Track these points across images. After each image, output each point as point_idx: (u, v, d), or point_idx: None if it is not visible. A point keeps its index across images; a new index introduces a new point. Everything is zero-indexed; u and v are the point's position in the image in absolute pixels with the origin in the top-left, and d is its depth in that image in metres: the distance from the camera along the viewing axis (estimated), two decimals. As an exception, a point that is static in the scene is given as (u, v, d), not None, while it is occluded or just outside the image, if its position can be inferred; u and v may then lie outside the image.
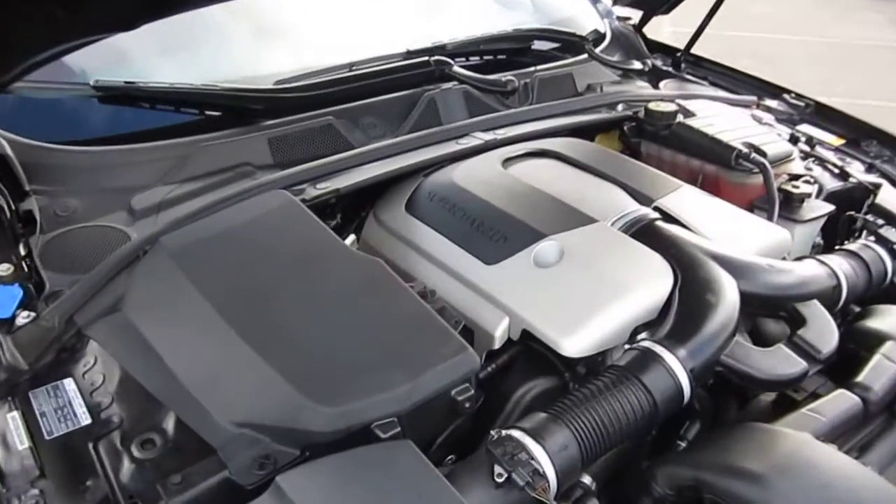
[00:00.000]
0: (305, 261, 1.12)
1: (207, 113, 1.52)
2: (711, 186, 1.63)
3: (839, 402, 1.05)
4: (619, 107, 1.79)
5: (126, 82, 1.46)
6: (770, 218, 1.49)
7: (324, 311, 1.04)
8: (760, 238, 1.31)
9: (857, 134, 1.91)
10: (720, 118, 1.71)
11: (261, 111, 1.53)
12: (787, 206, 1.54)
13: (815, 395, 1.13)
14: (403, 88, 1.65)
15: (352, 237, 1.45)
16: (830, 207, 1.57)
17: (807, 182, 1.62)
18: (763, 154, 1.58)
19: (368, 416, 0.90)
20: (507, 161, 1.46)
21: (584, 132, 1.74)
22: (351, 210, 1.49)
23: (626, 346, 1.09)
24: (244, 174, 1.41)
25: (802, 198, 1.56)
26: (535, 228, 1.23)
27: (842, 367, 1.16)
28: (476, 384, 1.03)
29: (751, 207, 1.58)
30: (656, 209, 1.33)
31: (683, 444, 1.13)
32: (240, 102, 1.52)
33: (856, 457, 1.03)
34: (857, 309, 1.36)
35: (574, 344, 1.07)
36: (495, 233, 1.24)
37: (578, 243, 1.20)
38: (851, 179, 1.71)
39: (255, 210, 1.23)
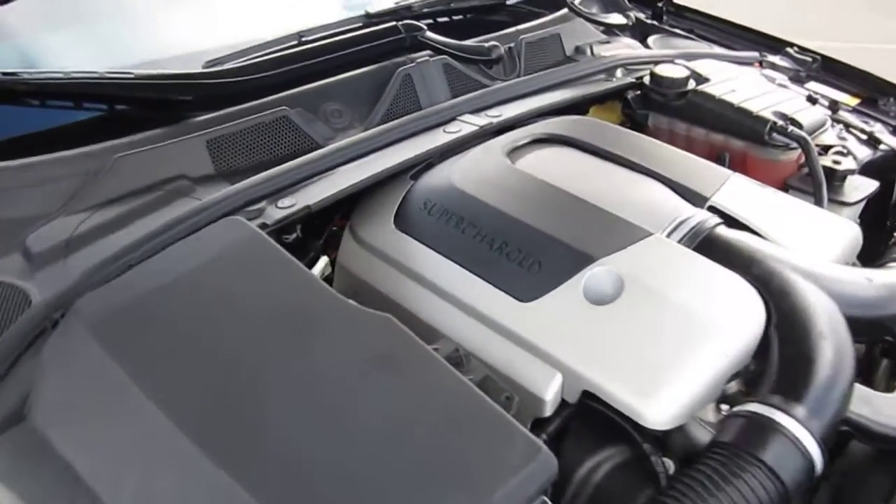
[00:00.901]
0: (286, 325, 0.81)
1: (120, 109, 1.15)
2: (737, 165, 1.39)
3: None
4: (618, 72, 1.52)
5: (4, 73, 1.08)
6: (819, 203, 1.27)
7: (323, 404, 0.74)
8: (835, 238, 1.07)
9: (872, 91, 1.71)
10: (738, 83, 1.47)
11: (192, 103, 1.17)
12: (828, 187, 1.32)
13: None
14: (368, 63, 1.32)
15: (323, 261, 1.13)
16: (875, 184, 1.36)
17: (841, 154, 1.41)
18: (799, 125, 1.35)
19: None
20: (513, 153, 1.17)
21: (578, 105, 1.46)
22: (315, 220, 1.18)
23: (723, 409, 0.84)
24: (179, 192, 1.06)
25: (845, 175, 1.34)
26: (578, 249, 0.95)
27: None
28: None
29: (785, 188, 1.36)
30: (711, 210, 1.07)
31: None
32: (163, 93, 1.16)
33: None
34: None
35: (660, 412, 0.81)
36: (525, 256, 0.96)
37: (637, 268, 0.93)
38: (882, 147, 1.50)
39: (204, 249, 0.90)
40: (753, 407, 0.80)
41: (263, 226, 1.00)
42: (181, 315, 0.83)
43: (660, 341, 0.85)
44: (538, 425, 0.89)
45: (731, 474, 0.73)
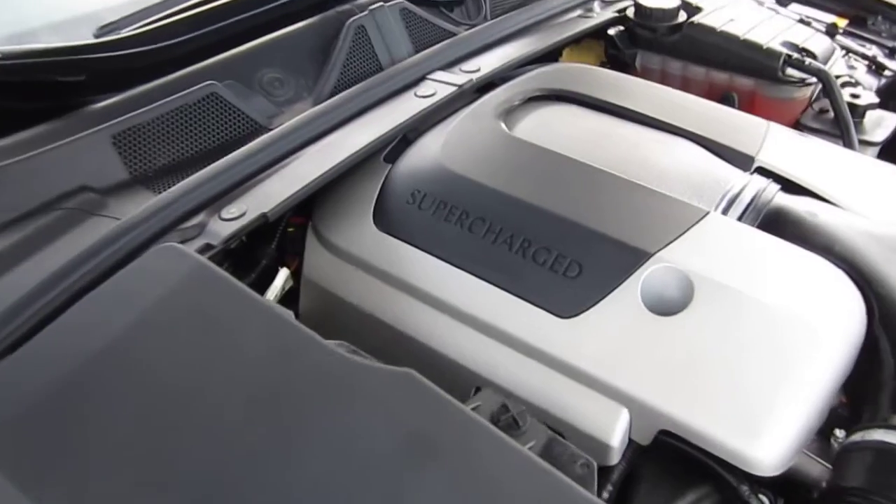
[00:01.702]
0: (268, 406, 0.58)
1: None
2: (745, 106, 1.22)
3: None
4: (596, 6, 1.30)
5: None
6: (849, 142, 1.10)
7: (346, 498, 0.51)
8: (891, 192, 0.90)
9: (857, 9, 1.54)
10: (737, 11, 1.27)
11: (85, 85, 0.89)
12: (850, 125, 1.16)
13: None
14: (309, 14, 1.05)
15: (282, 275, 0.88)
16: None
17: (850, 85, 1.25)
18: (813, 56, 1.17)
19: None
20: (507, 117, 0.94)
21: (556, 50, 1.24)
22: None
23: (837, 440, 0.67)
24: (84, 210, 0.79)
25: (865, 110, 1.18)
26: (625, 243, 0.74)
27: None
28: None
29: (797, 128, 1.19)
30: (760, 171, 0.88)
31: None
32: (44, 74, 0.86)
33: None
34: None
35: (772, 454, 0.63)
36: (558, 257, 0.75)
37: (703, 262, 0.73)
38: (887, 73, 1.35)
39: (135, 298, 0.65)
40: (879, 434, 0.63)
41: (208, 247, 0.75)
42: (120, 405, 0.58)
43: (749, 358, 0.66)
44: (603, 474, 0.70)
45: None
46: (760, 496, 0.68)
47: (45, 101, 0.87)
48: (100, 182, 0.83)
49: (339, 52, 1.02)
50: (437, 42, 1.10)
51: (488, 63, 1.06)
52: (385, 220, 0.84)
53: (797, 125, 1.20)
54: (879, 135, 1.16)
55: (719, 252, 0.74)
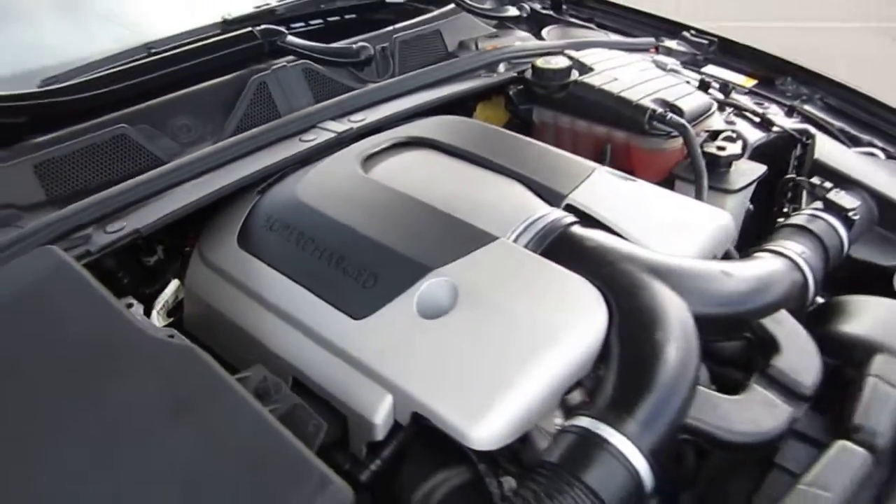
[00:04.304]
0: (83, 367, 0.75)
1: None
2: (622, 157, 1.35)
3: (845, 463, 0.78)
4: (501, 67, 1.47)
5: None
6: (699, 192, 1.22)
7: (113, 456, 0.67)
8: (702, 230, 1.02)
9: (769, 71, 1.67)
10: (623, 71, 1.42)
11: (24, 126, 1.10)
12: (713, 174, 1.27)
13: (798, 436, 0.85)
14: (224, 72, 1.25)
15: (173, 284, 1.07)
16: (762, 168, 1.31)
17: (730, 139, 1.36)
18: (680, 112, 1.30)
19: None
20: (368, 160, 1.11)
21: (462, 104, 1.41)
22: (177, 241, 1.12)
23: (557, 424, 0.79)
24: (5, 222, 0.99)
25: (730, 160, 1.29)
26: (413, 259, 0.89)
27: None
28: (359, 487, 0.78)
29: (671, 178, 1.31)
30: (569, 208, 1.02)
31: None
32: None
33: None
34: (820, 300, 1.11)
35: (486, 433, 0.75)
36: (362, 271, 0.90)
37: (475, 277, 0.87)
38: (775, 129, 1.46)
39: (7, 287, 0.83)
40: (582, 422, 0.75)
41: (87, 253, 0.93)
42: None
43: (490, 354, 0.80)
44: (375, 449, 0.84)
45: (549, 497, 0.68)
46: (502, 480, 0.81)
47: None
48: (22, 201, 1.03)
49: (241, 103, 1.21)
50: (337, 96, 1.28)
51: (376, 114, 1.23)
52: (246, 240, 1.01)
53: (671, 174, 1.32)
54: (738, 183, 1.27)
55: (490, 270, 0.88)
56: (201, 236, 1.08)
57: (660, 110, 1.28)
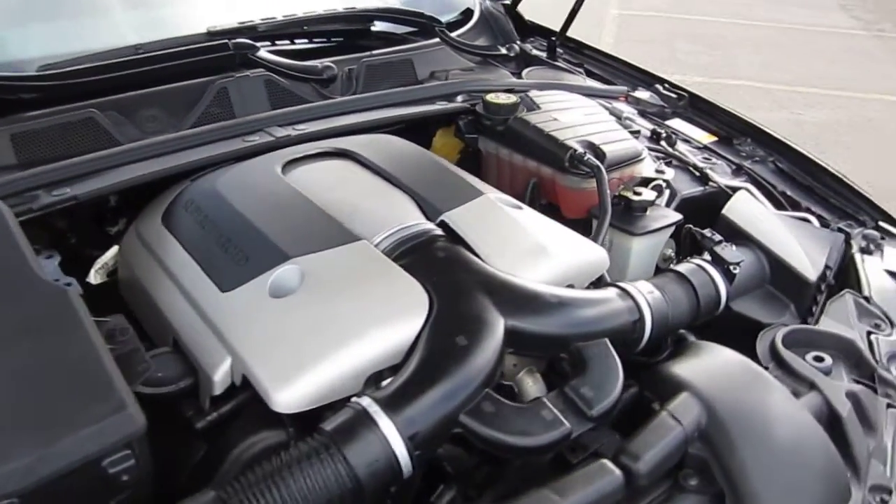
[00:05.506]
0: None
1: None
2: (549, 191, 1.45)
3: (592, 478, 0.86)
4: (459, 98, 1.59)
5: None
6: (598, 229, 1.31)
7: None
8: (560, 259, 1.12)
9: (731, 130, 1.73)
10: (567, 113, 1.52)
11: (16, 102, 1.31)
12: (626, 216, 1.36)
13: (597, 455, 0.94)
14: (197, 76, 1.44)
15: (113, 249, 1.24)
16: (677, 217, 1.39)
17: (655, 188, 1.45)
18: (601, 155, 1.40)
19: None
20: (290, 164, 1.26)
21: (418, 128, 1.54)
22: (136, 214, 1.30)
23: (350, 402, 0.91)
24: None
25: (645, 206, 1.37)
26: (280, 248, 1.03)
27: (636, 419, 0.98)
28: (196, 434, 0.91)
29: (589, 216, 1.40)
30: (442, 225, 1.14)
31: None
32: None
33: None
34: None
35: (287, 396, 0.88)
36: (239, 252, 1.05)
37: (323, 267, 1.00)
38: (711, 184, 1.53)
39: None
40: (364, 402, 0.85)
41: (29, 210, 1.11)
42: None
43: (311, 332, 0.93)
44: (216, 403, 0.97)
45: (309, 459, 0.79)
46: (306, 441, 0.91)
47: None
48: None
49: (201, 103, 1.39)
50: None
51: (318, 126, 1.38)
52: (168, 218, 1.18)
53: (589, 213, 1.41)
54: (643, 228, 1.34)
55: (339, 265, 1.01)
56: (141, 212, 1.25)
57: (580, 150, 1.38)
